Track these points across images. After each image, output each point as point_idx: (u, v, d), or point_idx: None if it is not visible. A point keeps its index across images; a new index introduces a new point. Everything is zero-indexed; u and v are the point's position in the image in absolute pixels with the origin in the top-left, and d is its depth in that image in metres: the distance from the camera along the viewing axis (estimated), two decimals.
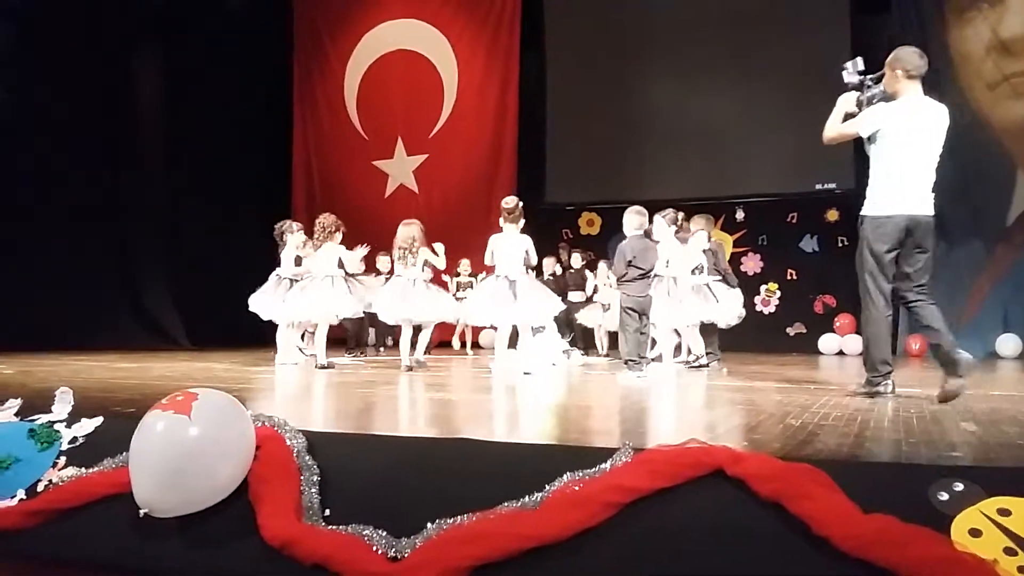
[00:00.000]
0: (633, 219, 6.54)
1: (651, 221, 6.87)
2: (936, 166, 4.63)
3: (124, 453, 2.68)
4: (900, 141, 4.54)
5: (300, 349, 8.19)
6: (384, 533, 2.36)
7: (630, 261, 6.33)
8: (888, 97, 4.71)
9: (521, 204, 7.12)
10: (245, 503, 2.56)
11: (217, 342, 10.81)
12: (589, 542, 2.22)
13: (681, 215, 7.61)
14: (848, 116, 4.87)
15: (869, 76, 4.85)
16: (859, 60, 4.94)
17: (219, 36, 12.32)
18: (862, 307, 4.78)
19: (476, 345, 11.18)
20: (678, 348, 8.06)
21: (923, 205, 4.59)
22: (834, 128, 4.89)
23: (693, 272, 7.47)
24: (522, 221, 7.08)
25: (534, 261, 7.21)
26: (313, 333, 8.48)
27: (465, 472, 2.52)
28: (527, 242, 7.00)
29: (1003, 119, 10.66)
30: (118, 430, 2.88)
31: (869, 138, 4.68)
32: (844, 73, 4.95)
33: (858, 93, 4.87)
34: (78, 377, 5.72)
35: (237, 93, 12.70)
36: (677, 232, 7.43)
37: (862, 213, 4.76)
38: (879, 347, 4.68)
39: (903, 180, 4.55)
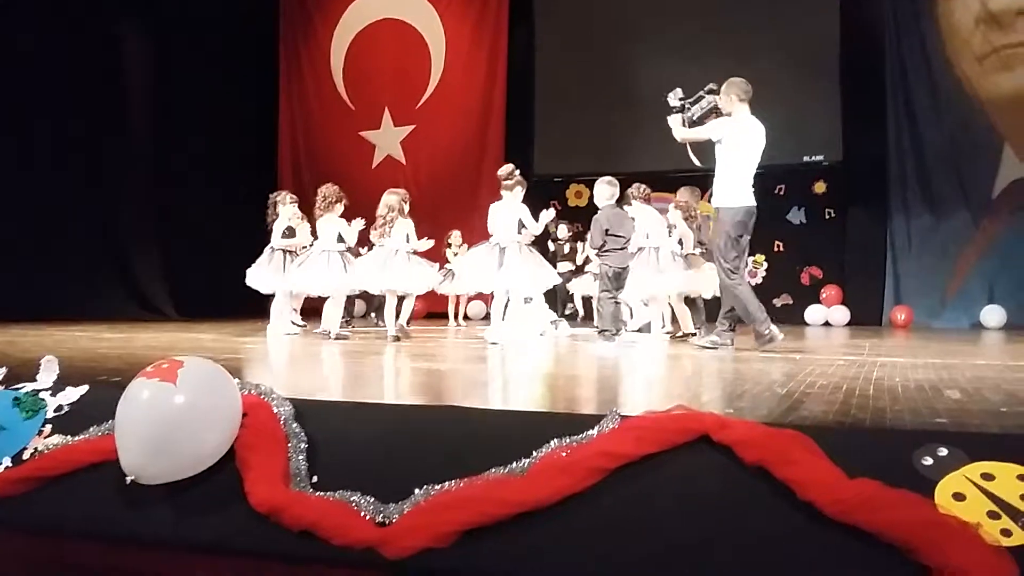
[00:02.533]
0: (605, 189, 6.57)
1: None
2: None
3: (110, 421, 2.66)
4: (739, 148, 5.78)
5: (293, 322, 8.16)
6: (372, 499, 2.36)
7: (607, 230, 6.35)
8: (711, 111, 5.99)
9: (516, 171, 7.05)
10: (232, 470, 2.55)
11: (204, 313, 10.79)
12: (575, 507, 2.23)
13: (646, 188, 7.63)
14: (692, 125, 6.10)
15: (688, 100, 6.09)
16: (679, 90, 6.14)
17: (205, 6, 12.16)
18: (730, 284, 5.83)
19: (465, 316, 11.18)
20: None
21: (753, 198, 5.84)
22: (683, 133, 6.08)
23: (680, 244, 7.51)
24: (519, 189, 6.98)
25: (534, 229, 6.95)
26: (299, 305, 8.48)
27: (452, 439, 2.52)
28: (521, 210, 6.93)
29: (991, 92, 10.68)
30: (104, 398, 2.87)
31: (717, 142, 5.83)
32: (668, 99, 6.14)
33: (681, 114, 6.07)
34: (63, 347, 5.69)
35: (223, 64, 12.60)
36: (647, 204, 7.49)
37: (718, 205, 5.89)
38: (756, 306, 5.77)
39: (745, 178, 5.79)
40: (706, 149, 6.07)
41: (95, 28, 10.82)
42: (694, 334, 7.51)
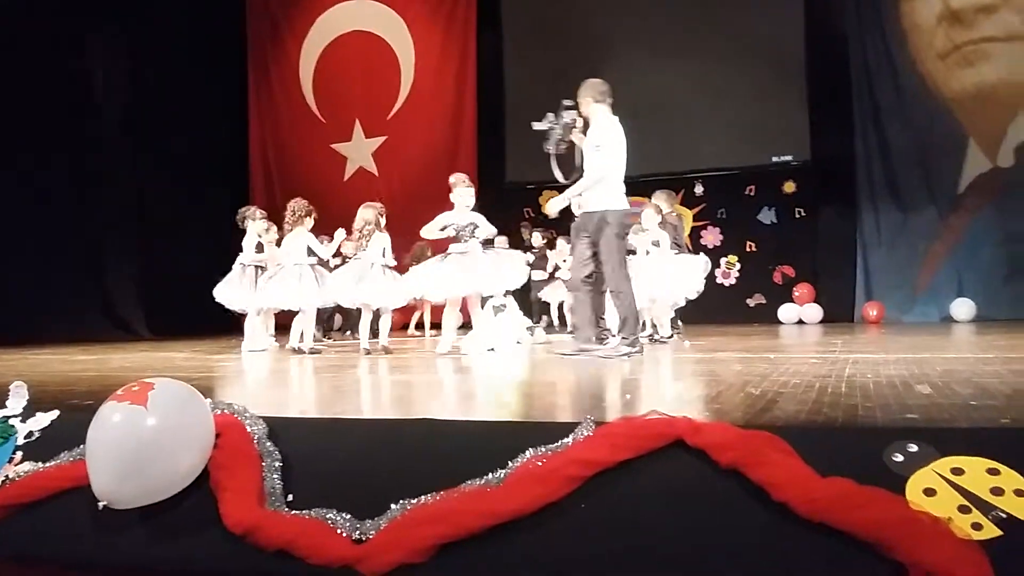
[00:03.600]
0: None
1: None
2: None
3: (81, 446, 2.63)
4: (609, 148, 5.61)
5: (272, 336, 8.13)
6: (348, 516, 2.35)
7: None
8: (572, 126, 5.87)
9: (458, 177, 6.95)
10: (206, 492, 2.53)
11: (178, 331, 10.70)
12: (553, 517, 2.23)
13: None
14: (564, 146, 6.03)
15: (553, 121, 5.96)
16: (550, 114, 6.02)
17: (172, 21, 12.11)
18: (620, 285, 5.59)
19: (435, 327, 11.14)
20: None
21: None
22: (582, 186, 5.68)
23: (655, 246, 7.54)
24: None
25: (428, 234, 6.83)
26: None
27: (427, 451, 2.52)
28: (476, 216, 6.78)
29: (954, 88, 10.83)
30: (75, 423, 2.83)
31: (597, 146, 5.65)
32: (535, 126, 6.07)
33: (551, 139, 5.96)
34: (35, 371, 5.63)
35: (191, 79, 12.51)
36: None
37: (606, 208, 5.58)
38: (636, 312, 5.74)
39: (620, 180, 5.66)
40: (569, 160, 6.04)
41: (68, 49, 10.76)
42: (671, 337, 7.55)
